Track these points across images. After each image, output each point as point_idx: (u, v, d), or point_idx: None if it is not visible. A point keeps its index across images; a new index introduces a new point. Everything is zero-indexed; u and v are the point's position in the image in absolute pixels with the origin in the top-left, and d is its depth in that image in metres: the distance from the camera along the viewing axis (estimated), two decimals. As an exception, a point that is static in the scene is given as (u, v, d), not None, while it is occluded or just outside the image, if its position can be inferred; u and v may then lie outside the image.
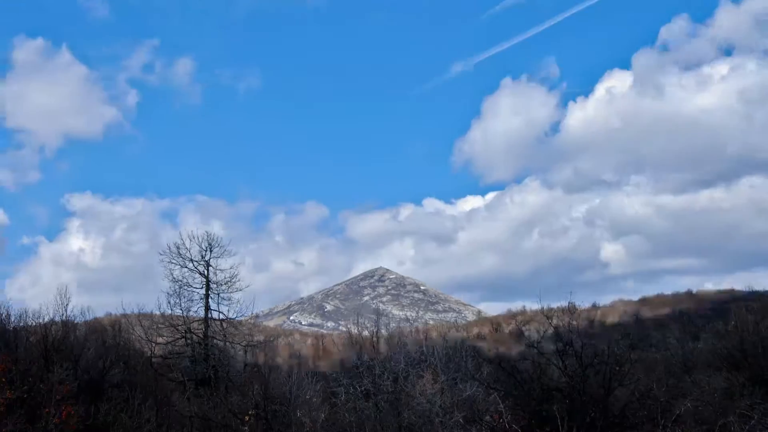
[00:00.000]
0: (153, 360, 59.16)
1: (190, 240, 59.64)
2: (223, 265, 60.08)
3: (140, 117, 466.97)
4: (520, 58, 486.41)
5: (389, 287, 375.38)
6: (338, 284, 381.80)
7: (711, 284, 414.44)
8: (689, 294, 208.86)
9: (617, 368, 40.06)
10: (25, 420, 38.34)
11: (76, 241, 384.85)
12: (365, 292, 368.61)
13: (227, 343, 59.25)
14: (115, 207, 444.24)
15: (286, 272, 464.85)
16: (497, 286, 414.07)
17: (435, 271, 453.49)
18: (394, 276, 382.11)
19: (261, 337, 74.04)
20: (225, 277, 59.58)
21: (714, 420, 37.67)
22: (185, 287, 59.09)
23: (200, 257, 59.49)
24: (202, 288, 59.53)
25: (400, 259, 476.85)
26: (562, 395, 39.82)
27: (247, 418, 43.09)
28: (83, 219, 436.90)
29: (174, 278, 58.99)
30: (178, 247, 59.29)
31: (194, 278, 59.67)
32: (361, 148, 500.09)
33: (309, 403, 50.53)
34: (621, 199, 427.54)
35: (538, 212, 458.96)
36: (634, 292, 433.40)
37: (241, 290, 59.74)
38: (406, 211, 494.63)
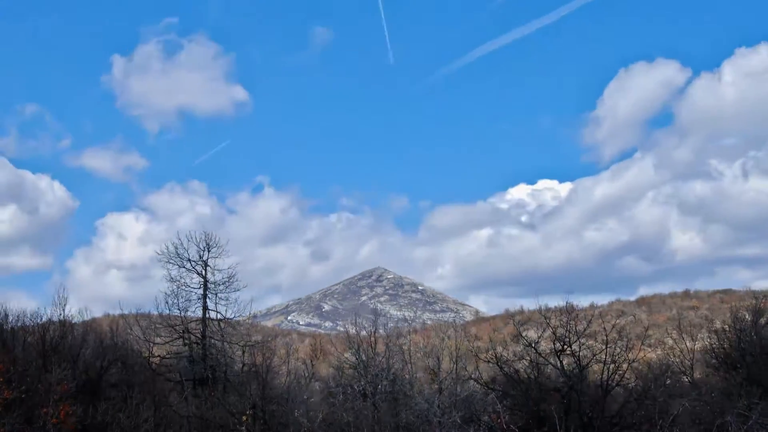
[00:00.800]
0: (151, 360, 59.10)
1: (188, 240, 59.59)
2: (221, 265, 60.03)
3: (264, 100, 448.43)
4: (643, 36, 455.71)
5: (387, 287, 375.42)
6: (336, 284, 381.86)
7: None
8: (686, 293, 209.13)
9: (615, 368, 40.17)
10: (23, 420, 38.38)
11: (138, 230, 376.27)
12: (363, 292, 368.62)
13: (225, 344, 59.14)
14: (193, 195, 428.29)
15: (343, 261, 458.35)
16: (562, 280, 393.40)
17: (502, 264, 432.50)
18: (392, 276, 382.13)
19: (259, 338, 73.87)
20: (223, 278, 59.53)
21: (711, 420, 37.74)
22: (183, 287, 59.04)
23: (198, 257, 59.43)
24: (199, 288, 59.44)
25: (469, 251, 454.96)
26: (559, 395, 39.92)
27: (245, 418, 43.15)
28: (152, 210, 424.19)
29: (172, 278, 58.92)
30: (176, 247, 59.22)
31: (192, 278, 59.60)
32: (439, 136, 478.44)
33: (307, 403, 50.59)
34: (720, 184, 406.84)
35: (630, 198, 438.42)
36: (695, 284, 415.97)
37: (239, 290, 59.68)
38: (487, 201, 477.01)
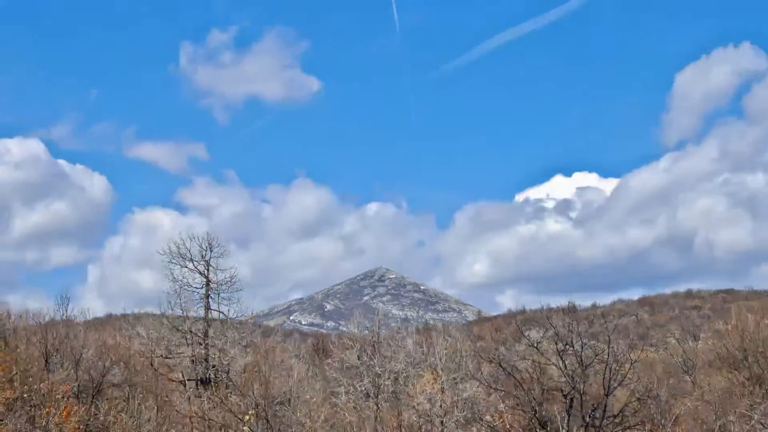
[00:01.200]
0: (153, 360, 59.12)
1: (190, 240, 59.57)
2: (223, 265, 60.01)
3: (334, 90, 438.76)
4: (726, 21, 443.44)
5: (389, 287, 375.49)
6: (338, 284, 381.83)
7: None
8: (689, 293, 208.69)
9: (617, 368, 40.12)
10: (26, 419, 38.39)
11: (176, 224, 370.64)
12: (365, 292, 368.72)
13: (227, 343, 59.15)
14: (231, 186, 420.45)
15: (379, 256, 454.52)
16: (602, 276, 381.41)
17: (538, 259, 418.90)
18: (394, 276, 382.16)
19: (261, 337, 73.92)
20: (225, 277, 59.51)
21: (714, 420, 37.74)
22: (185, 287, 59.02)
23: (200, 257, 59.39)
24: (202, 288, 59.44)
25: (505, 246, 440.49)
26: (562, 395, 39.88)
27: (247, 418, 43.13)
28: (188, 203, 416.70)
29: (174, 278, 58.90)
30: (178, 247, 59.18)
31: (194, 278, 59.57)
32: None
33: (309, 404, 50.57)
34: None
35: (680, 189, 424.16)
36: (738, 280, 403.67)
37: (241, 290, 59.66)
38: (526, 192, 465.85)
